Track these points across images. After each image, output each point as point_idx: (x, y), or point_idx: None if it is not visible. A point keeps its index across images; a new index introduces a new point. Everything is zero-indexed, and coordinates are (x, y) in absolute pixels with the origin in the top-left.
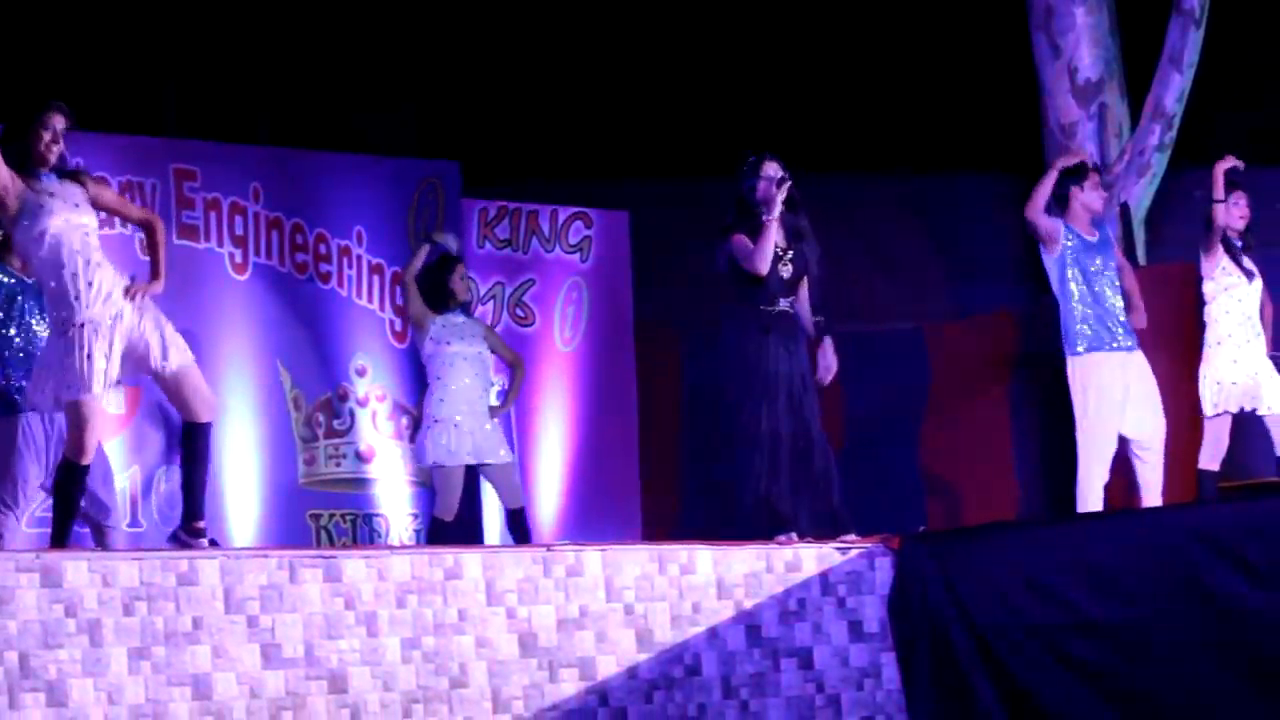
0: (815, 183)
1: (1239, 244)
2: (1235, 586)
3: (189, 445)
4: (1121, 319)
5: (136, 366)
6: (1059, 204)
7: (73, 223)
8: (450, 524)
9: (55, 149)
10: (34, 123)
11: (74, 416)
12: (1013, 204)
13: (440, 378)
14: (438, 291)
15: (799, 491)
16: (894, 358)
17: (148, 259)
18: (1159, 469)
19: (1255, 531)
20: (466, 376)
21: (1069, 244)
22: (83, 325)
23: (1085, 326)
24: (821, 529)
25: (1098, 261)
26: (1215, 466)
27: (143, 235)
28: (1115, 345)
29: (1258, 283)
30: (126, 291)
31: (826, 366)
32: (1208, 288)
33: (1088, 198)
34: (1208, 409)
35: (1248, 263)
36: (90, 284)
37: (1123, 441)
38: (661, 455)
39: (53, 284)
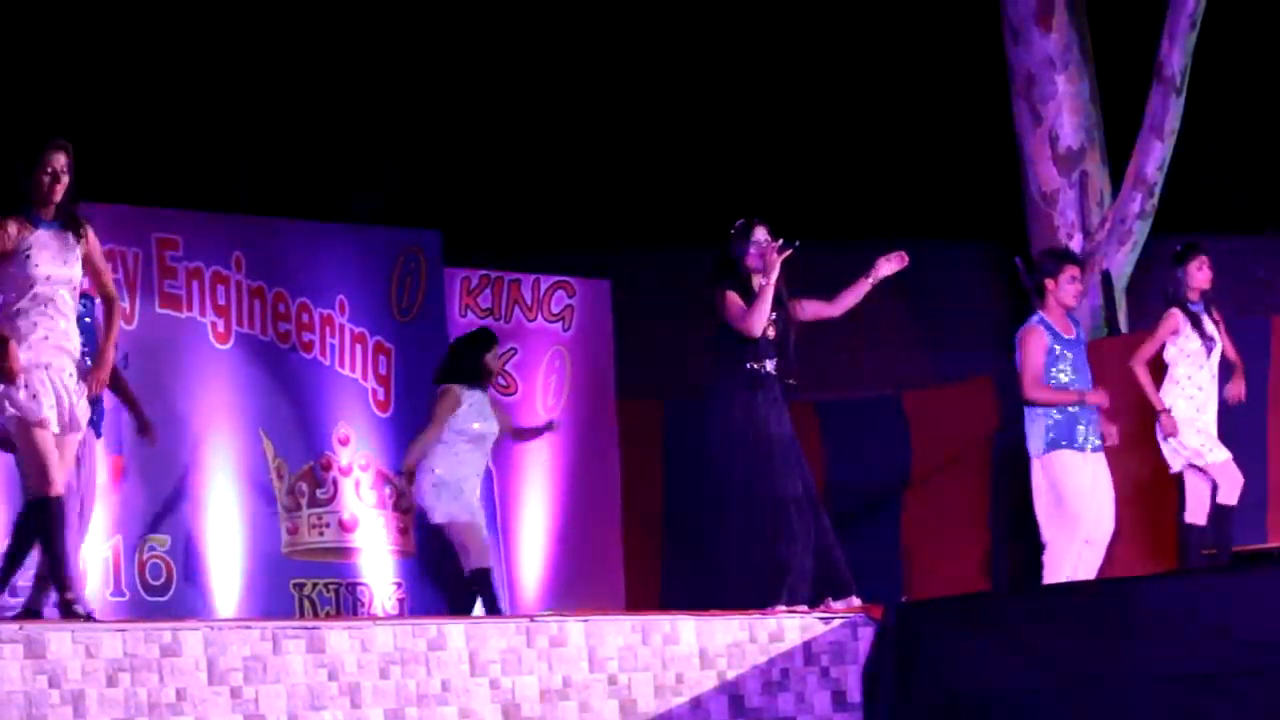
0: (796, 250)
1: (1199, 307)
2: (1195, 657)
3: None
4: (1092, 419)
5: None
6: (1035, 296)
7: (54, 277)
8: (490, 569)
9: (59, 189)
10: (34, 163)
11: (29, 448)
12: (993, 271)
13: (455, 447)
14: (475, 367)
15: (809, 554)
16: (874, 425)
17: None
18: (1101, 557)
19: (1210, 603)
20: (480, 453)
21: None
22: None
23: (1057, 424)
24: (824, 592)
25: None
26: (1202, 521)
27: (102, 308)
28: (1086, 446)
29: (1217, 350)
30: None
31: None
32: (1169, 353)
33: (1063, 292)
34: (1175, 465)
35: (1209, 327)
36: (42, 334)
37: None
38: (644, 524)
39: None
